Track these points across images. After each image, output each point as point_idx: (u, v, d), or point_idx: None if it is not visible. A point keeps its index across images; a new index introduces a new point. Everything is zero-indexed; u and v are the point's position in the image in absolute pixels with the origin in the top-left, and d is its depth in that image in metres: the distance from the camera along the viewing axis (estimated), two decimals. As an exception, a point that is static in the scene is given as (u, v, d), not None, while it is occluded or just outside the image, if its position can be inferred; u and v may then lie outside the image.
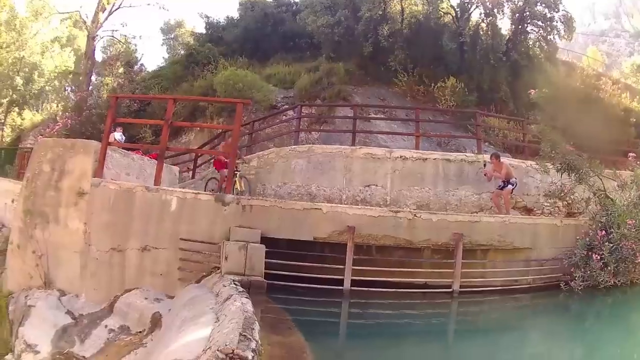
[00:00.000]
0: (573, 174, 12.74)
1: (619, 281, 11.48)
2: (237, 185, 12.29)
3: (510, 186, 12.83)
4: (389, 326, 8.76)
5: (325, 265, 9.70)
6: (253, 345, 4.36)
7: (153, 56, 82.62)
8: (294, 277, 9.29)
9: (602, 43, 71.48)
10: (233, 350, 4.03)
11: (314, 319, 8.48)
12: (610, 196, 12.79)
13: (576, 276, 11.34)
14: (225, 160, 12.17)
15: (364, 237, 9.96)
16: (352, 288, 9.56)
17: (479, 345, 7.79)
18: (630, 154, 14.30)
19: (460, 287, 10.53)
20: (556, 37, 24.60)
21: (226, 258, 8.57)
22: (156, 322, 7.88)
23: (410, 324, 9.13)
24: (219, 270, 8.75)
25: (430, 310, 10.05)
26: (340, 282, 9.55)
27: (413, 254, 10.59)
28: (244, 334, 4.52)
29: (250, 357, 4.04)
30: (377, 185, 12.60)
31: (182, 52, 33.67)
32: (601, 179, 13.02)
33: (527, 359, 7.35)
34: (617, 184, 12.98)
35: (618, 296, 11.17)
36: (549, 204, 14.02)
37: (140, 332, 8.02)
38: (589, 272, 11.37)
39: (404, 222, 10.26)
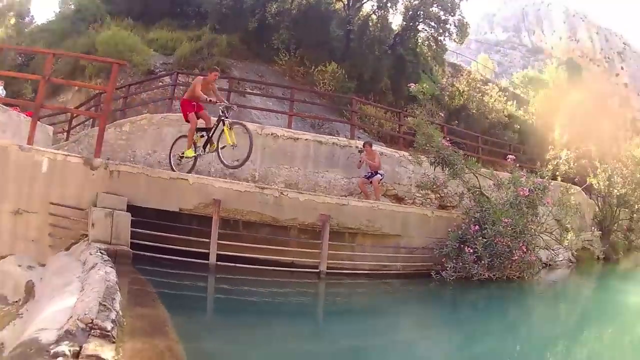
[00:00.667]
0: (447, 169, 13.22)
1: (494, 275, 12.02)
2: (228, 138, 10.50)
3: (379, 176, 13.08)
4: (255, 304, 8.53)
5: (192, 238, 9.42)
6: (113, 315, 4.23)
7: (46, 9, 77.22)
8: (160, 248, 8.93)
9: (496, 53, 75.26)
10: (92, 320, 3.90)
11: (179, 293, 8.20)
12: (486, 194, 13.38)
13: (447, 266, 11.78)
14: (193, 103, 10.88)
15: (230, 211, 9.79)
16: (218, 263, 9.38)
17: (348, 328, 7.70)
18: (510, 156, 14.99)
19: (328, 268, 10.59)
20: (447, 39, 25.50)
21: (93, 225, 8.07)
22: (30, 291, 7.22)
23: (276, 302, 8.92)
24: (87, 238, 8.23)
25: (297, 289, 9.96)
26: (207, 256, 9.37)
27: (280, 232, 10.55)
28: (104, 303, 4.37)
29: (109, 328, 3.90)
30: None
31: (72, 7, 31.68)
32: (477, 177, 13.63)
33: (397, 344, 7.36)
34: (493, 182, 13.63)
35: (493, 290, 11.62)
36: (420, 195, 14.46)
37: (16, 301, 7.38)
38: (461, 263, 11.83)
39: (271, 199, 10.18)
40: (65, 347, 3.41)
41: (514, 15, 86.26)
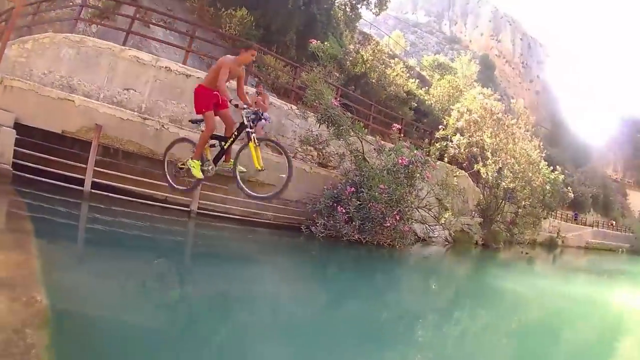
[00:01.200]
0: (332, 128, 13.10)
1: (364, 238, 12.19)
2: (255, 160, 7.75)
3: (263, 121, 12.81)
4: (121, 236, 8.02)
5: (71, 163, 9.13)
6: None
7: None
8: (41, 171, 8.69)
9: (413, 34, 76.27)
10: None
11: (50, 217, 7.64)
12: (368, 159, 13.43)
13: (318, 223, 11.85)
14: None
15: (111, 138, 9.55)
16: (93, 191, 9.16)
17: (213, 272, 7.40)
18: (395, 125, 15.08)
19: (199, 208, 10.49)
20: (364, 8, 25.32)
21: None
22: None
23: (145, 237, 8.47)
24: None
25: (168, 227, 9.68)
26: (83, 183, 9.13)
27: (157, 166, 9.99)
28: None
29: None
30: (136, 91, 11.68)
31: None
32: (361, 141, 13.66)
33: (260, 296, 7.11)
34: (375, 148, 13.67)
35: (362, 252, 11.67)
36: (302, 150, 14.31)
37: None
38: (332, 222, 11.91)
39: (151, 131, 9.95)
40: None
41: (440, 1, 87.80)
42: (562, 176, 28.08)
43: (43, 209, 7.74)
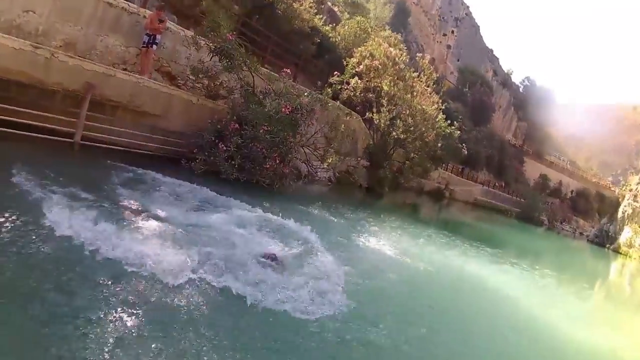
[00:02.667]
0: (225, 61, 12.94)
1: (243, 177, 12.23)
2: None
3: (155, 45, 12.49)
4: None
5: None
6: None
7: None
8: None
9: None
10: None
11: None
12: (258, 95, 13.37)
13: (197, 158, 11.78)
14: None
15: (2, 70, 8.99)
16: None
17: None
18: (285, 70, 14.96)
19: (83, 139, 10.22)
20: None
21: None
22: None
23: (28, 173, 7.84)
24: None
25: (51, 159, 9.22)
26: None
27: (44, 97, 9.84)
28: None
29: None
30: (34, 12, 11.07)
31: None
32: (253, 76, 13.54)
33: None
34: (266, 85, 13.62)
35: (237, 188, 11.62)
36: (193, 78, 14.06)
37: None
38: (212, 158, 11.87)
39: (42, 60, 9.44)
40: None
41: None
42: (459, 132, 28.91)
43: None
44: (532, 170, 78.94)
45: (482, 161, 55.96)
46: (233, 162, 12.00)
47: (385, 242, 11.91)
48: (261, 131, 12.17)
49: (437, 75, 37.14)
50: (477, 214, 40.53)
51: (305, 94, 13.94)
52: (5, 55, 8.91)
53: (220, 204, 9.74)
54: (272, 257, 7.08)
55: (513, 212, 54.95)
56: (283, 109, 12.73)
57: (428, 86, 27.35)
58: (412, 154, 24.52)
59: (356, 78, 22.07)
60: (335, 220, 12.78)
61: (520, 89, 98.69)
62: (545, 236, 44.14)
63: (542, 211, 58.11)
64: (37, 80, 9.52)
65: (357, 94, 22.01)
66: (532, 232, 42.56)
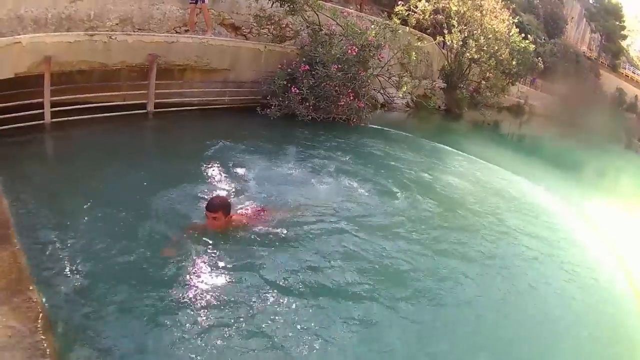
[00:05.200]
0: (286, 5, 12.77)
1: (319, 117, 12.21)
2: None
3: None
4: (90, 148, 8.22)
5: (28, 101, 8.63)
6: None
7: None
8: None
9: None
10: None
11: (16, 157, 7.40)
12: (327, 33, 12.99)
13: (272, 104, 11.79)
14: None
15: (62, 65, 9.07)
16: (53, 120, 8.88)
17: (179, 168, 7.79)
18: (346, 10, 14.63)
19: (156, 107, 10.40)
20: None
21: None
22: None
23: (110, 144, 8.60)
24: None
25: (129, 131, 9.61)
26: (42, 117, 8.77)
27: (111, 76, 10.00)
28: None
29: None
30: (82, 0, 11.10)
31: None
32: (318, 15, 13.19)
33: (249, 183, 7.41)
34: (337, 24, 13.20)
35: (317, 129, 11.71)
36: (257, 25, 13.86)
37: None
38: (286, 102, 11.84)
39: (100, 46, 9.49)
40: None
41: None
42: (533, 46, 27.68)
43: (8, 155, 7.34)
44: (609, 83, 74.63)
45: (559, 75, 53.51)
46: (307, 104, 11.91)
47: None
48: (333, 70, 11.90)
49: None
50: (556, 129, 38.87)
51: (372, 26, 13.39)
52: (62, 51, 8.97)
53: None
54: None
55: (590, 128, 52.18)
56: (349, 51, 12.31)
57: (497, 2, 25.99)
58: (487, 73, 23.59)
59: (423, 1, 21.10)
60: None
61: (591, 0, 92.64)
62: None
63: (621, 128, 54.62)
64: (100, 65, 9.60)
65: (427, 17, 21.12)
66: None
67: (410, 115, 18.85)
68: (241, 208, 6.16)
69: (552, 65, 46.52)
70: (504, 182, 11.16)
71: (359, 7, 14.51)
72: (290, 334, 4.10)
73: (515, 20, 26.06)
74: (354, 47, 12.43)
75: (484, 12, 23.06)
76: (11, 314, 3.49)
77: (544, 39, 48.43)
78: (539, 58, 32.58)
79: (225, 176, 7.45)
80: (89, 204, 5.74)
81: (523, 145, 22.07)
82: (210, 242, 5.20)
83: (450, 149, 13.42)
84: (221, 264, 4.92)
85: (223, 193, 6.60)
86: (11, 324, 3.39)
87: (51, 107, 8.85)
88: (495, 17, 23.73)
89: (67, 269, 4.50)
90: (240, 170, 7.76)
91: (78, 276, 4.41)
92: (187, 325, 4.01)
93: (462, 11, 22.04)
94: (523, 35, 26.15)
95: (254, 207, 6.26)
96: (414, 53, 14.81)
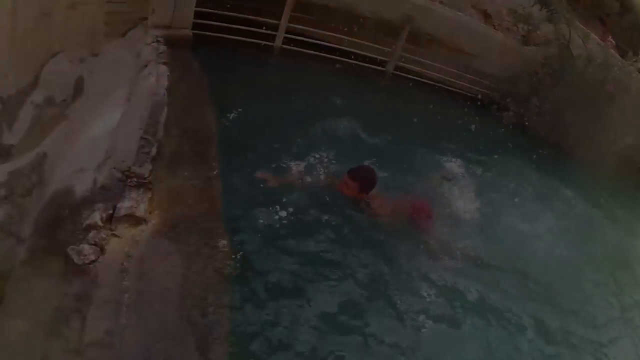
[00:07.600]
0: (545, 10, 11.90)
1: (554, 139, 10.96)
2: None
3: None
4: (308, 95, 7.87)
5: (260, 18, 8.57)
6: (154, 151, 4.28)
7: None
8: (224, 28, 8.11)
9: None
10: (129, 168, 3.99)
11: (237, 87, 7.31)
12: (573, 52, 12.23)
13: (510, 109, 11.12)
14: None
15: None
16: (284, 46, 8.72)
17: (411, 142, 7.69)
18: (609, 40, 13.35)
19: (395, 69, 10.11)
20: None
21: (153, 10, 7.15)
22: (79, 87, 6.75)
23: (351, 93, 8.58)
24: (147, 22, 7.39)
25: (366, 84, 9.50)
26: (273, 38, 8.66)
27: (355, 22, 9.50)
28: (145, 137, 4.37)
29: (146, 174, 4.00)
30: None
31: None
32: (569, 29, 12.56)
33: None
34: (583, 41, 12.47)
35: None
36: (509, 20, 13.46)
37: (64, 100, 6.74)
38: (522, 110, 11.04)
39: None
40: (97, 217, 3.56)
41: None
42: None
43: (228, 79, 7.29)
44: None
45: None
46: (542, 120, 10.99)
47: None
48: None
49: None
50: None
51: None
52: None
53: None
54: None
55: None
56: (608, 88, 11.09)
57: None
58: None
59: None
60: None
61: None
62: None
63: None
64: (347, 6, 9.23)
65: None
66: None
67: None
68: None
69: None
70: None
71: (602, 37, 13.29)
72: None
73: None
74: (612, 85, 11.22)
75: None
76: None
77: None
78: None
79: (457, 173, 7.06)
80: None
81: None
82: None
83: None
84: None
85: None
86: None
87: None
88: None
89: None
90: (466, 180, 7.07)
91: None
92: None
93: None
94: None
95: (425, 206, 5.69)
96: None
